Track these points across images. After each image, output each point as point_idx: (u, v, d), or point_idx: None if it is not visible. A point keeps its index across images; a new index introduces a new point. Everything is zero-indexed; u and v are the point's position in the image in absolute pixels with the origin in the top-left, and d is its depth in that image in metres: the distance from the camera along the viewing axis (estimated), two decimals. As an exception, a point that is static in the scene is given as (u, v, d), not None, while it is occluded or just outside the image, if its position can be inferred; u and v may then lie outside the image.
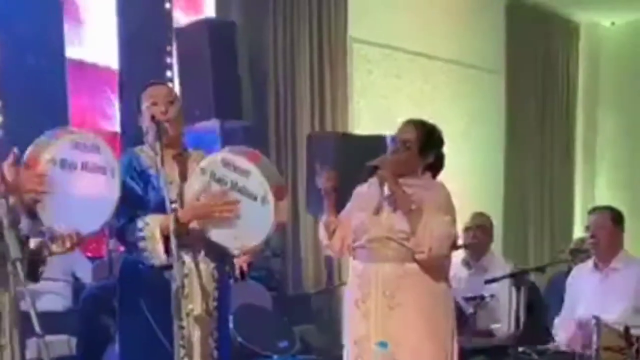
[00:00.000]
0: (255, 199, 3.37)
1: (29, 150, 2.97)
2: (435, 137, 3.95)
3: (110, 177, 3.18)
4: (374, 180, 3.92)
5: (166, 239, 3.32)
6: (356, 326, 3.81)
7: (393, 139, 3.95)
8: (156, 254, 3.34)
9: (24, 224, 2.94)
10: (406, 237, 3.75)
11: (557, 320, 4.98)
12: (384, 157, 3.88)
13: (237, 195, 3.38)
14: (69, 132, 3.16)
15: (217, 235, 3.44)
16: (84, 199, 3.09)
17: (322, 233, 3.99)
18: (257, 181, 3.37)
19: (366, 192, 3.94)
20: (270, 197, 3.36)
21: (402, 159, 3.84)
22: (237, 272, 3.58)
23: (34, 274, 2.93)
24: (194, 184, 3.43)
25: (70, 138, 3.09)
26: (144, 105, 3.50)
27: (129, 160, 3.50)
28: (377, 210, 3.84)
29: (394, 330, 3.74)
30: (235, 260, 3.55)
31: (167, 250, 3.33)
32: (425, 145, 3.88)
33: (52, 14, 5.96)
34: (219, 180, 3.39)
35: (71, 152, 3.06)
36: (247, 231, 3.42)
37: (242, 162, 3.39)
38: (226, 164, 3.40)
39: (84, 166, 3.11)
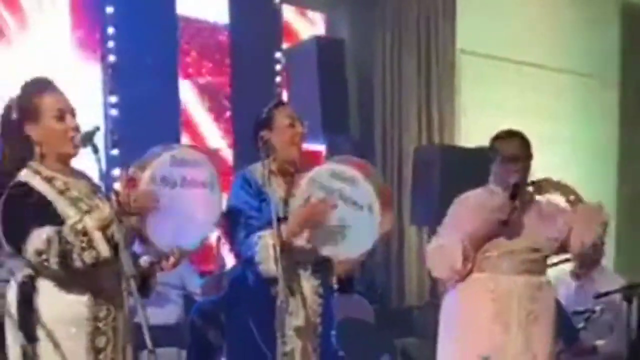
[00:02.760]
0: (361, 208, 3.40)
1: (131, 169, 3.01)
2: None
3: (210, 191, 3.20)
4: (490, 188, 3.88)
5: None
6: (492, 339, 3.74)
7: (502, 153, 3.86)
8: (270, 268, 3.41)
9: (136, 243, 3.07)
10: (552, 245, 3.76)
11: None
12: (517, 174, 3.80)
13: (344, 205, 3.40)
14: (168, 149, 3.15)
15: (324, 245, 3.48)
16: (185, 215, 3.10)
17: (455, 257, 3.78)
18: (363, 190, 3.39)
19: (489, 202, 3.82)
20: (377, 206, 3.37)
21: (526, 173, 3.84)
22: (335, 281, 3.64)
23: (145, 290, 3.02)
24: (300, 196, 3.48)
25: (170, 155, 3.09)
26: (280, 124, 3.57)
27: (245, 177, 3.59)
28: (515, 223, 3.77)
29: (534, 343, 3.74)
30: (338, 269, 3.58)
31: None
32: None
33: (169, 39, 6.19)
34: (327, 191, 3.43)
35: (170, 169, 3.07)
36: (353, 240, 3.44)
37: (349, 172, 3.43)
38: (333, 174, 3.44)
39: (184, 182, 3.11)
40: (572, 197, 3.84)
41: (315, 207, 3.43)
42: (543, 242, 3.79)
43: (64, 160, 2.93)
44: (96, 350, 2.87)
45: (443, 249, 3.80)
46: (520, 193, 3.75)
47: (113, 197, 2.80)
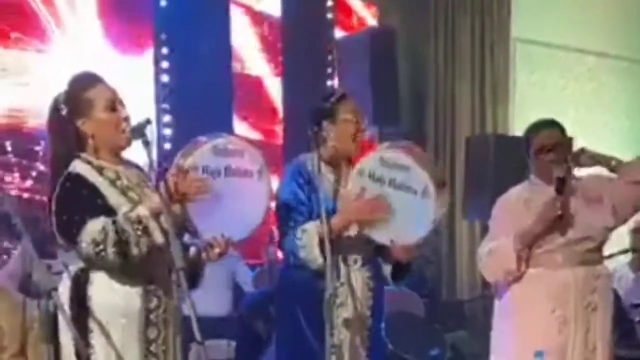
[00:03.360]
0: (415, 192, 3.37)
1: (176, 158, 3.02)
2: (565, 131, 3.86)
3: (257, 179, 3.17)
4: (531, 183, 3.81)
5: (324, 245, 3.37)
6: (551, 335, 3.68)
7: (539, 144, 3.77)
8: (313, 259, 3.40)
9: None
10: (605, 232, 3.70)
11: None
12: (562, 166, 3.68)
13: (396, 192, 3.38)
14: (212, 138, 3.14)
15: (376, 233, 3.46)
16: (231, 205, 3.09)
17: (510, 261, 3.70)
18: (416, 174, 3.37)
19: (532, 193, 3.76)
20: (431, 189, 3.35)
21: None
22: (389, 272, 3.60)
23: (193, 281, 3.02)
24: (352, 188, 3.45)
25: (212, 144, 3.08)
26: (341, 118, 3.55)
27: (297, 169, 3.58)
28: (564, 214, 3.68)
29: (592, 334, 3.69)
30: (396, 255, 3.51)
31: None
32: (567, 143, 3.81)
33: (222, 30, 6.22)
34: (378, 180, 3.40)
35: (213, 158, 3.06)
36: (408, 226, 3.42)
37: (400, 158, 3.40)
38: (384, 162, 3.41)
39: (228, 171, 3.09)
40: (613, 163, 3.71)
41: (368, 205, 3.42)
42: (595, 230, 3.71)
43: (116, 151, 2.96)
44: (147, 341, 2.89)
45: (496, 252, 3.74)
46: (566, 185, 3.65)
47: (162, 186, 2.82)
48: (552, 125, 3.81)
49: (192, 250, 3.07)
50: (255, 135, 6.56)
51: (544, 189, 3.71)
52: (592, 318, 3.69)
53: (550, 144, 3.72)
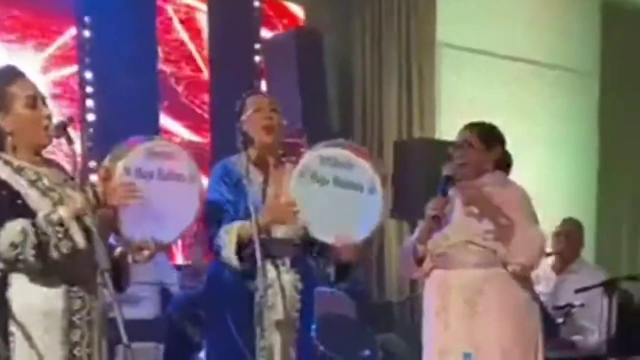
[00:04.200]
0: (362, 189, 3.33)
1: (105, 161, 2.97)
2: (495, 132, 3.90)
3: (189, 183, 3.15)
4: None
5: (244, 245, 3.36)
6: (439, 336, 3.75)
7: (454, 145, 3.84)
8: (228, 259, 3.39)
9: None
10: (490, 238, 3.70)
11: None
12: (452, 164, 3.77)
13: (342, 190, 3.33)
14: (143, 141, 3.11)
15: (321, 232, 3.41)
16: (163, 207, 3.06)
17: (407, 263, 3.84)
18: (361, 171, 3.33)
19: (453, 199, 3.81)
20: (379, 185, 3.32)
21: (471, 159, 3.79)
22: (333, 272, 3.55)
23: (119, 284, 2.96)
24: (293, 189, 3.39)
25: (145, 146, 3.06)
26: (248, 111, 3.53)
27: (223, 169, 3.55)
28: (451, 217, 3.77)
29: (477, 337, 3.69)
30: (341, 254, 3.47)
31: (242, 257, 3.37)
32: (488, 140, 3.83)
33: (147, 31, 6.12)
34: (320, 180, 3.36)
35: (146, 161, 3.04)
36: (355, 224, 3.38)
37: (343, 155, 3.35)
38: (324, 160, 3.36)
39: (161, 174, 3.07)
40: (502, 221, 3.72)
41: (279, 208, 3.40)
42: (481, 235, 3.73)
43: (37, 150, 2.86)
44: (71, 344, 2.81)
45: (403, 249, 3.89)
46: (454, 185, 3.73)
47: (89, 189, 2.76)
48: (468, 126, 3.88)
49: (117, 252, 3.00)
50: (183, 136, 6.47)
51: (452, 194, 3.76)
52: (477, 321, 3.69)
53: (460, 142, 3.79)
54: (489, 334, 3.70)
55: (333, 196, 3.36)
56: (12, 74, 2.86)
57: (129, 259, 3.03)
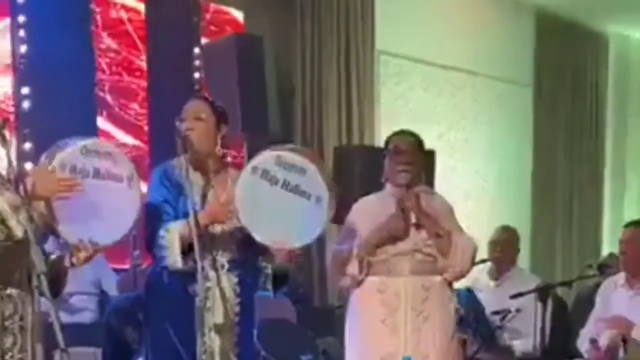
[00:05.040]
0: (309, 198, 3.33)
1: (41, 158, 2.94)
2: (423, 143, 3.98)
3: (127, 185, 3.11)
4: (383, 193, 3.90)
5: (187, 245, 3.32)
6: (382, 343, 3.77)
7: (389, 148, 3.89)
8: (173, 261, 3.35)
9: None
10: (432, 247, 3.78)
11: (582, 332, 4.92)
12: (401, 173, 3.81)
13: (288, 194, 3.32)
14: (80, 140, 3.06)
15: (259, 233, 3.39)
16: (100, 208, 3.02)
17: (354, 268, 3.82)
18: (313, 180, 3.33)
19: (378, 206, 3.89)
20: (326, 198, 3.33)
21: (416, 167, 3.85)
22: (270, 276, 3.55)
23: (55, 289, 2.90)
24: (241, 184, 3.37)
25: (82, 145, 3.01)
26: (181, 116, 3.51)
27: (163, 171, 3.52)
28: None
29: (423, 343, 3.75)
30: (278, 259, 3.49)
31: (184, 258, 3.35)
32: (421, 152, 3.92)
33: (84, 28, 6.02)
34: (270, 180, 3.34)
35: (82, 159, 2.99)
36: (294, 230, 3.38)
37: (299, 161, 3.35)
38: (280, 161, 3.35)
39: (97, 173, 3.03)
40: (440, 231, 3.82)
41: (217, 207, 3.39)
42: (425, 244, 3.81)
43: None
44: (2, 350, 2.76)
45: (339, 257, 3.86)
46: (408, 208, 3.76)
47: (21, 185, 2.71)
48: (407, 133, 3.95)
49: (54, 256, 2.96)
50: (120, 139, 6.38)
51: (389, 200, 3.82)
52: (424, 327, 3.75)
53: (405, 147, 3.83)
54: (434, 340, 3.76)
55: (279, 198, 3.36)
56: None
57: (66, 261, 2.97)
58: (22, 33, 5.73)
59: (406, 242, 3.78)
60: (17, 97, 5.71)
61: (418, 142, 3.92)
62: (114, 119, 6.37)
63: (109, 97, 6.37)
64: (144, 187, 3.41)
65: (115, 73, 6.47)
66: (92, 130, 5.67)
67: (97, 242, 2.99)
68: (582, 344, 4.78)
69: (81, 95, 5.84)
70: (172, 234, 3.35)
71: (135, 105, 6.57)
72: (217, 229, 3.47)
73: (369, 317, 3.83)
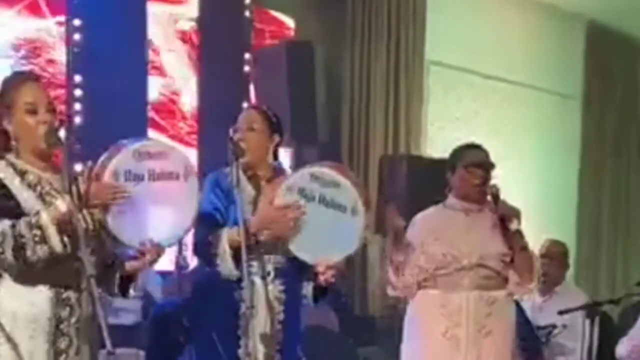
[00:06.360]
0: (344, 210, 3.36)
1: (96, 166, 2.93)
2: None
3: (184, 180, 3.08)
4: (448, 206, 3.92)
5: (236, 252, 3.33)
6: (442, 355, 3.78)
7: (464, 163, 3.90)
8: (226, 267, 3.37)
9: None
10: (501, 263, 3.78)
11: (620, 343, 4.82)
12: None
13: (326, 209, 3.36)
14: (133, 142, 3.05)
15: (301, 251, 3.42)
16: (159, 209, 3.02)
17: (391, 273, 3.90)
18: (346, 192, 3.36)
19: (439, 219, 3.92)
20: (361, 207, 3.36)
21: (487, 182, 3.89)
22: (311, 291, 3.56)
23: (127, 290, 2.98)
24: (279, 203, 3.39)
25: (133, 148, 3.00)
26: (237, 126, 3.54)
27: (215, 179, 3.54)
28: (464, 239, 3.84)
29: (486, 357, 3.76)
30: (320, 276, 3.46)
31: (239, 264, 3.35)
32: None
33: (138, 31, 6.07)
34: (307, 196, 3.38)
35: (135, 163, 2.98)
36: (335, 244, 3.41)
37: (331, 175, 3.39)
38: (315, 178, 3.38)
39: (152, 175, 3.01)
40: (512, 226, 3.83)
41: (279, 211, 3.38)
42: (492, 258, 3.83)
43: (40, 154, 2.84)
44: (57, 352, 2.77)
45: (398, 270, 3.87)
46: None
47: (74, 191, 2.72)
48: (481, 148, 3.96)
49: (132, 264, 2.97)
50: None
51: (455, 214, 3.86)
52: (486, 342, 3.77)
53: (477, 162, 3.86)
54: (495, 355, 3.78)
55: (316, 213, 3.39)
56: (19, 80, 2.91)
57: (129, 266, 2.97)
58: (76, 37, 5.79)
59: (471, 256, 3.79)
60: (70, 97, 5.77)
61: (489, 159, 3.92)
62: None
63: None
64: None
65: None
66: (143, 132, 5.69)
67: (159, 243, 2.99)
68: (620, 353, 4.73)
69: (133, 95, 5.87)
70: (222, 241, 3.37)
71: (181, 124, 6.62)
72: (265, 235, 3.46)
73: (429, 328, 3.85)
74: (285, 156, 6.39)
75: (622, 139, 9.71)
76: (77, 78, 5.80)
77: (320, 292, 3.58)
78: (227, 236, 3.38)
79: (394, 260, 3.87)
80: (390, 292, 4.00)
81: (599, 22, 9.20)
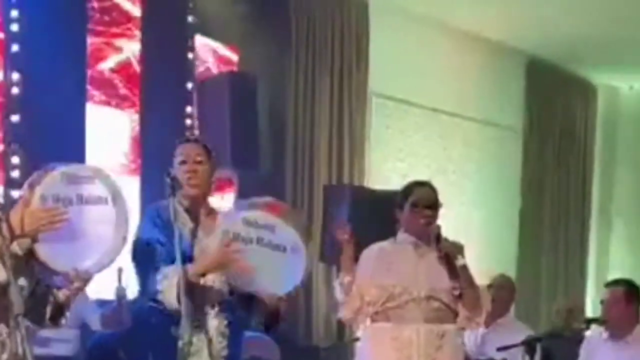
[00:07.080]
0: (284, 250, 3.43)
1: (23, 189, 2.91)
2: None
3: (112, 205, 3.06)
4: (399, 241, 3.96)
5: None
6: None
7: (413, 200, 3.94)
8: (170, 304, 3.35)
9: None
10: (451, 296, 3.83)
11: None
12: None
13: (265, 250, 3.41)
14: (60, 166, 3.02)
15: (244, 287, 3.45)
16: (87, 235, 2.99)
17: (338, 290, 3.96)
18: (283, 233, 3.43)
19: (389, 252, 3.96)
20: (301, 245, 3.43)
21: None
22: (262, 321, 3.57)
23: (58, 319, 2.93)
24: (216, 245, 3.41)
25: (60, 172, 2.97)
26: (176, 160, 3.51)
27: (156, 210, 3.51)
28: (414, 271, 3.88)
29: None
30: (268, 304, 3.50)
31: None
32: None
33: (78, 57, 6.00)
34: (244, 240, 3.41)
35: (63, 187, 2.95)
36: (277, 281, 3.45)
37: (264, 218, 3.43)
38: (247, 222, 3.43)
39: (80, 199, 2.98)
40: (459, 263, 3.88)
41: (226, 254, 3.38)
42: (442, 291, 3.87)
43: None
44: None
45: (348, 295, 3.92)
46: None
47: (4, 221, 2.67)
48: (429, 185, 4.02)
49: (64, 291, 2.93)
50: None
51: (405, 247, 3.92)
52: None
53: (424, 201, 3.91)
54: None
55: (256, 255, 3.43)
56: None
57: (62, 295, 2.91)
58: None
59: (421, 288, 3.82)
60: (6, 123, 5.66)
61: (437, 198, 3.96)
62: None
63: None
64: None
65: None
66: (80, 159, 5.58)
67: (86, 270, 2.95)
68: None
69: (72, 122, 5.78)
70: (170, 279, 3.34)
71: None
72: (209, 279, 3.46)
73: None
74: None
75: (562, 171, 9.86)
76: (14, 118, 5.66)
77: (272, 320, 3.57)
78: (174, 275, 3.33)
79: (342, 279, 3.92)
80: (340, 314, 4.04)
81: (538, 56, 9.38)
